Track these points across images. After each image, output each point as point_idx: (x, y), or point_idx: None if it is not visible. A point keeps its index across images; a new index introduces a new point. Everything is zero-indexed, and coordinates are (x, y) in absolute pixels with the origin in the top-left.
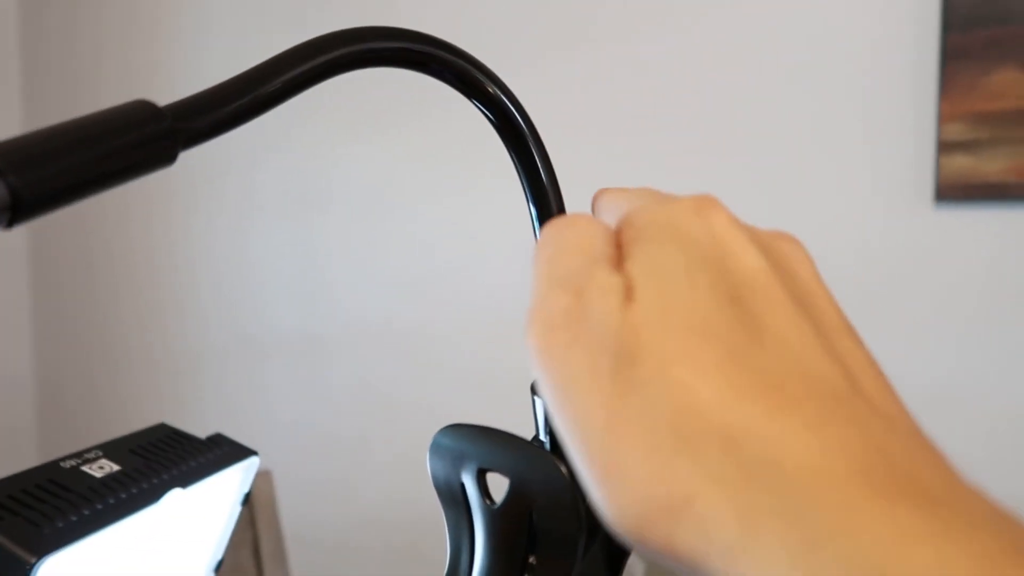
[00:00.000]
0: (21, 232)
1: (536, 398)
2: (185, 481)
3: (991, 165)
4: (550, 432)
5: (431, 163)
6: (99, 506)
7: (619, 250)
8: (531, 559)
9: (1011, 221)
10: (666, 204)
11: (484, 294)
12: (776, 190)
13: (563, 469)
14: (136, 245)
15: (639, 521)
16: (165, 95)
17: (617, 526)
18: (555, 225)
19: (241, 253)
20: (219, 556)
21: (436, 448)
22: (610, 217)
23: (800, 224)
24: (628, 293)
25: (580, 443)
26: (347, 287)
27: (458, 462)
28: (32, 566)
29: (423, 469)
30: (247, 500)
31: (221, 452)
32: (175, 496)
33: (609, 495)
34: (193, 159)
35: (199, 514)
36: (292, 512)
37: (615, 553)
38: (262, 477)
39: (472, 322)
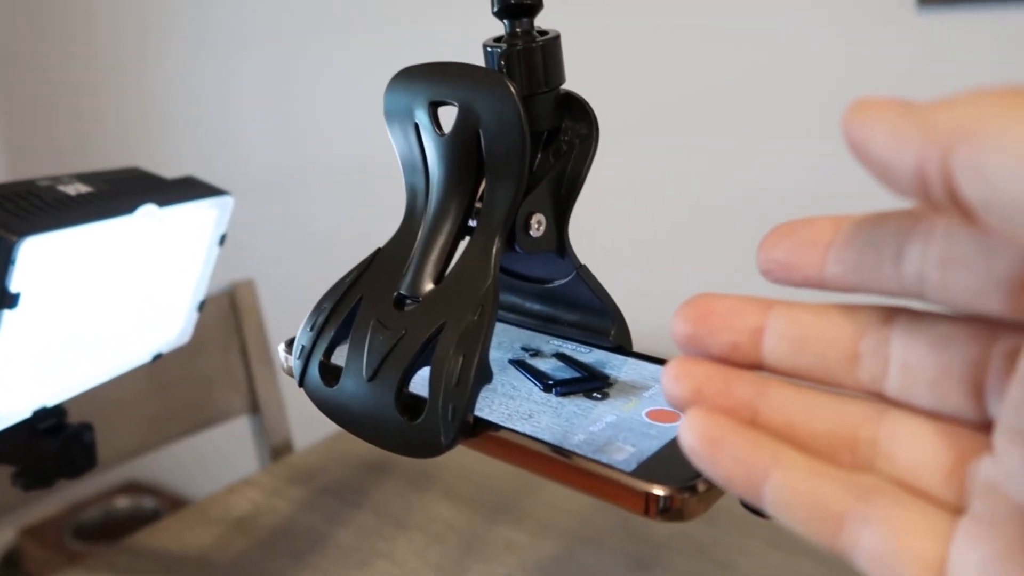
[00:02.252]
0: None
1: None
2: (159, 201)
3: None
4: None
5: None
6: (75, 209)
7: None
8: (478, 204)
9: (995, 23)
10: None
11: None
12: None
13: (509, 83)
14: (105, 84)
15: None
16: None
17: None
18: None
19: (217, 90)
20: (201, 296)
21: (389, 112)
22: None
23: (776, 34)
24: None
25: None
26: (327, 123)
27: (410, 107)
28: (14, 244)
29: None
30: (223, 241)
31: (195, 188)
32: (150, 211)
33: None
34: None
35: (177, 244)
36: (277, 322)
37: (562, 201)
38: (245, 286)
39: None
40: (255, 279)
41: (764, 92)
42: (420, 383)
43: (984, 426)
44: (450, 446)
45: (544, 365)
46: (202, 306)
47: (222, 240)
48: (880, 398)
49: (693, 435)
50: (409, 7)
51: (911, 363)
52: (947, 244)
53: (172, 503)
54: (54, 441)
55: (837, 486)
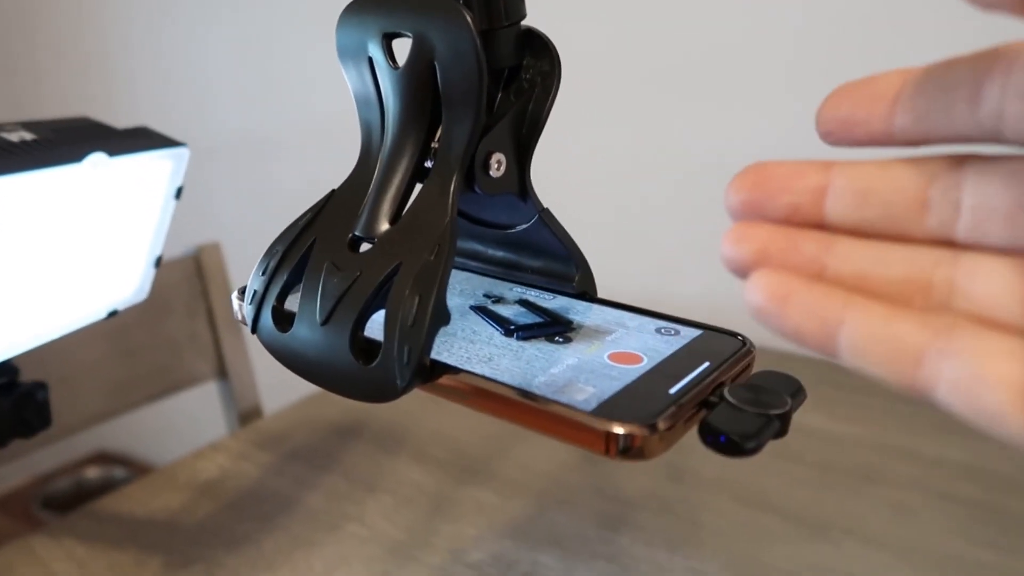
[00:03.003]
0: None
1: None
2: (110, 151)
3: None
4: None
5: None
6: (18, 156)
7: None
8: (435, 145)
9: None
10: None
11: None
12: None
13: (464, 11)
14: (67, 38)
15: None
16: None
17: None
18: None
19: (185, 47)
20: (158, 251)
21: (341, 48)
22: None
23: None
24: None
25: None
26: (298, 82)
27: (363, 41)
28: None
29: None
30: (179, 194)
31: (148, 138)
32: (99, 160)
33: None
34: None
35: (130, 196)
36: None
37: (523, 141)
38: (211, 249)
39: None
40: (223, 242)
41: (736, 40)
42: (376, 328)
43: None
44: (406, 389)
45: (506, 311)
46: (159, 262)
47: (178, 193)
48: (950, 245)
49: (760, 294)
50: None
51: (984, 202)
52: None
53: (143, 472)
54: (6, 400)
55: (914, 325)
